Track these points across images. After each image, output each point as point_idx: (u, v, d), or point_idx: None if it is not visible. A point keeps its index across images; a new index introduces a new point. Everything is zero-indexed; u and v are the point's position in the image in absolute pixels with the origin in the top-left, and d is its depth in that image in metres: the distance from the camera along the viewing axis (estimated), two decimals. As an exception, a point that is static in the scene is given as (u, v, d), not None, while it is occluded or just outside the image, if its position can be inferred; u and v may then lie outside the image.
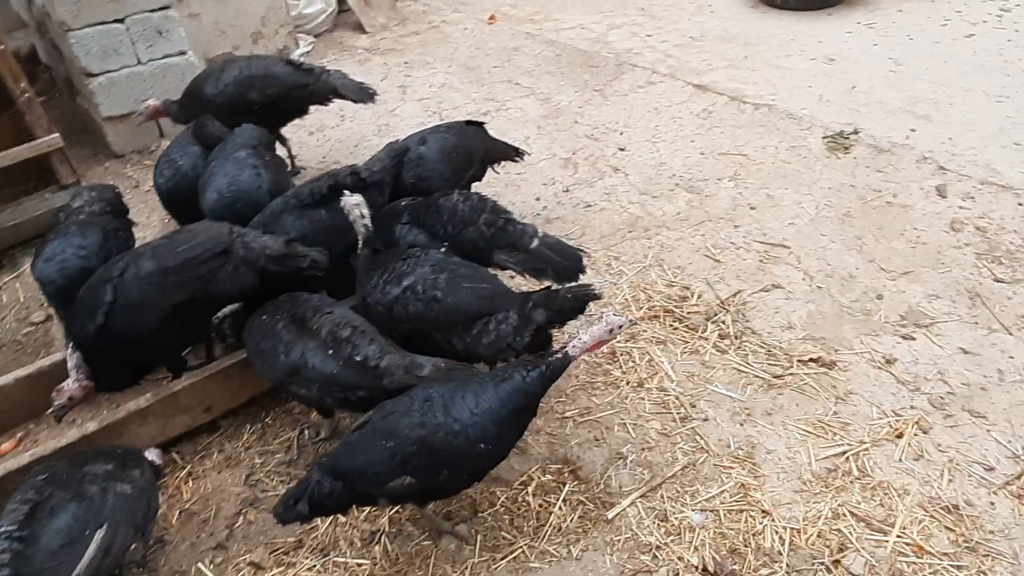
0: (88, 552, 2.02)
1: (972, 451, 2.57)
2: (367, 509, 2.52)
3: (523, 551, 2.38)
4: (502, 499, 2.54)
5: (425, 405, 2.11)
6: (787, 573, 2.26)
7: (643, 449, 2.65)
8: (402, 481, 2.09)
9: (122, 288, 2.46)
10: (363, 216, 2.55)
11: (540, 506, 2.51)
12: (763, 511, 2.42)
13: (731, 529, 2.38)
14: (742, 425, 2.72)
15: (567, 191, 4.03)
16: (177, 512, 2.61)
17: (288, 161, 4.07)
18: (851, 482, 2.49)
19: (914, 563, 2.26)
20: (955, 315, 3.08)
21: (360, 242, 2.64)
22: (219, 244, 2.48)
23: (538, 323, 2.41)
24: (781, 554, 2.30)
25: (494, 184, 3.99)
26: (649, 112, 4.59)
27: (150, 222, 4.03)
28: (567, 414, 2.80)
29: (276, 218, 2.83)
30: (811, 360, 2.92)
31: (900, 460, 2.55)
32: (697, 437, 2.68)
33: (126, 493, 2.15)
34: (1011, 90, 4.34)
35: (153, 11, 4.38)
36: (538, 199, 3.99)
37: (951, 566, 2.24)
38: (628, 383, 2.88)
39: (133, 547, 2.22)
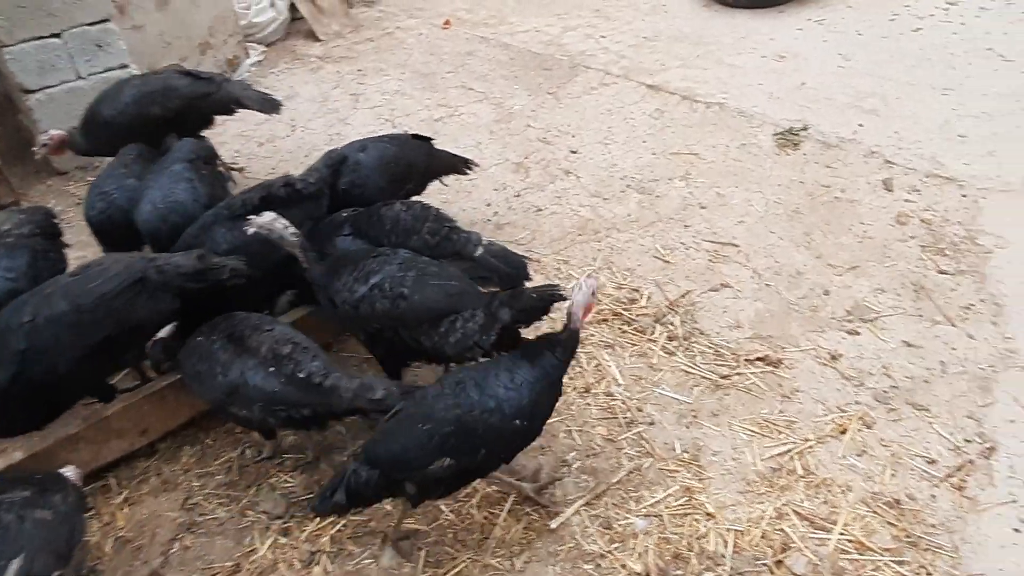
0: (3, 583, 1.94)
1: (915, 444, 2.57)
2: (308, 529, 2.46)
3: (466, 566, 2.34)
4: (446, 512, 2.49)
5: (458, 388, 2.14)
6: (730, 576, 2.24)
7: (588, 456, 2.62)
8: (441, 463, 2.10)
9: (35, 333, 2.33)
10: (285, 227, 2.49)
11: (485, 518, 2.47)
12: (707, 514, 2.40)
13: (675, 534, 2.36)
14: (688, 428, 2.70)
15: (518, 196, 4.00)
16: (112, 540, 2.53)
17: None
18: (795, 481, 2.48)
19: (856, 560, 2.25)
20: (900, 308, 3.10)
21: (300, 256, 2.58)
22: (132, 274, 2.39)
23: (504, 322, 2.38)
24: (724, 557, 2.28)
25: (445, 191, 3.94)
26: (602, 114, 4.58)
27: (92, 240, 3.93)
28: (513, 423, 2.76)
29: (207, 230, 2.76)
30: (758, 359, 2.91)
31: (844, 456, 2.55)
32: (643, 442, 2.65)
33: (45, 520, 2.07)
34: (956, 83, 4.39)
35: (91, 24, 4.27)
36: (489, 205, 3.96)
37: (892, 562, 2.24)
38: (575, 389, 2.85)
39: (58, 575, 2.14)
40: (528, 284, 2.79)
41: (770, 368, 2.88)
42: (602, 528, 2.39)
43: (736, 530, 2.35)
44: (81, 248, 3.44)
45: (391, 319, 2.48)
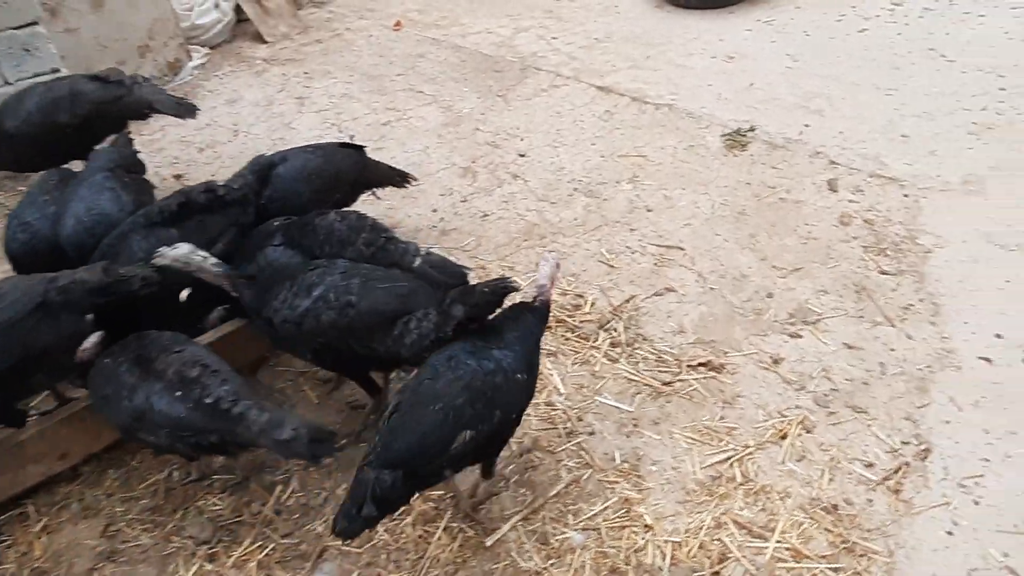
0: None
1: (853, 448, 2.57)
2: (235, 554, 2.37)
3: (399, 587, 2.27)
4: (380, 531, 2.42)
5: (452, 362, 2.15)
6: (667, 589, 2.20)
7: (527, 469, 2.56)
8: (463, 438, 2.09)
9: None
10: (205, 258, 2.38)
11: (420, 536, 2.40)
12: (646, 526, 2.36)
13: (613, 547, 2.31)
14: (629, 437, 2.66)
15: (465, 201, 3.93)
16: (27, 571, 2.40)
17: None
18: (734, 489, 2.46)
19: (793, 568, 2.23)
20: (842, 310, 3.10)
21: (226, 285, 2.47)
22: (33, 298, 2.27)
23: (458, 318, 2.32)
24: (662, 570, 2.25)
25: (391, 197, 3.88)
26: (551, 116, 4.53)
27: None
28: (451, 436, 2.69)
29: (124, 239, 2.65)
30: (700, 365, 2.89)
31: (783, 462, 2.54)
32: (582, 452, 2.61)
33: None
34: (899, 82, 4.43)
35: (18, 28, 4.10)
36: (435, 210, 3.88)
37: (828, 569, 2.22)
38: (516, 399, 2.79)
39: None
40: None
41: (712, 374, 2.85)
42: (539, 544, 2.34)
43: (674, 542, 2.31)
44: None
45: (340, 330, 2.40)
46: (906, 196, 3.64)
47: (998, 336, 2.88)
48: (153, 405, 2.17)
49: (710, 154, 4.08)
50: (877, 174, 3.79)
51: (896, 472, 2.46)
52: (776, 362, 2.88)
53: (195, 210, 2.71)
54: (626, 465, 2.56)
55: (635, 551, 2.30)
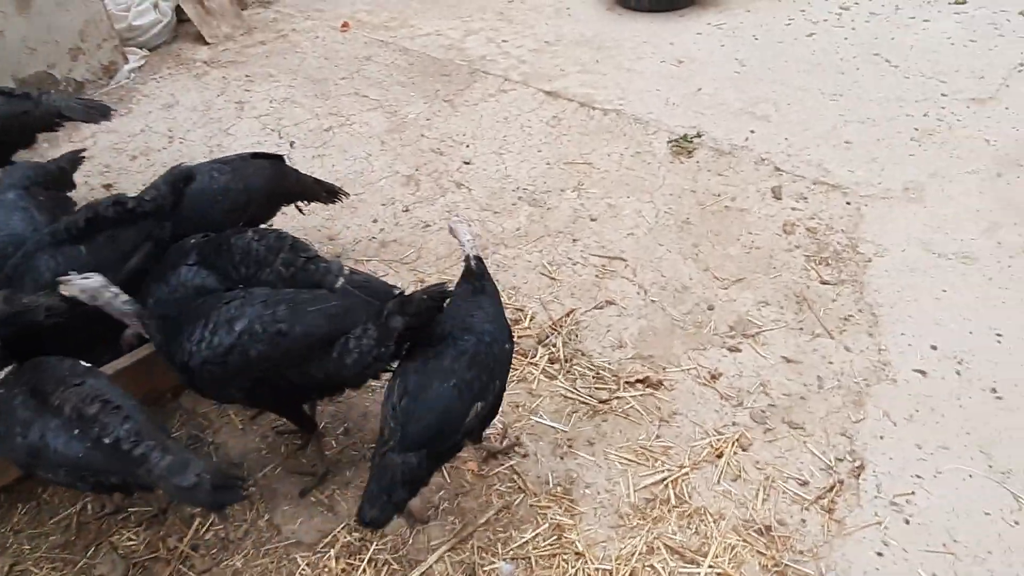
0: None
1: (788, 466, 2.54)
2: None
3: (320, 624, 2.17)
4: (302, 566, 2.32)
5: (450, 340, 2.21)
6: (596, 620, 2.14)
7: (456, 495, 2.48)
8: (476, 410, 2.16)
9: None
10: (116, 295, 2.23)
11: (343, 570, 2.30)
12: (577, 553, 2.30)
13: (542, 577, 2.25)
14: (563, 459, 2.59)
15: (407, 211, 3.83)
16: (-78, 619, 2.26)
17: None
18: (668, 511, 2.41)
19: (724, 594, 2.19)
20: (782, 322, 3.07)
21: (137, 325, 2.31)
22: None
23: (399, 330, 2.22)
24: (591, 600, 2.19)
25: (329, 207, 3.74)
26: (498, 122, 4.45)
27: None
28: (380, 461, 2.60)
29: (30, 259, 2.50)
30: (638, 381, 2.83)
31: (718, 482, 2.49)
32: (515, 476, 2.53)
33: None
34: (844, 88, 4.44)
35: (-68, 31, 3.89)
36: (375, 221, 3.77)
37: (759, 594, 2.18)
38: (449, 421, 2.71)
39: None
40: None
41: (650, 391, 2.80)
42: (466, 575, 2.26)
43: (605, 569, 2.25)
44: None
45: (272, 362, 2.25)
46: (848, 204, 3.64)
47: (933, 347, 2.88)
48: (49, 444, 2.03)
49: (656, 161, 4.03)
50: (821, 181, 3.78)
51: (830, 490, 2.44)
52: (714, 377, 2.84)
53: (104, 225, 2.57)
54: (559, 489, 2.49)
55: (565, 580, 2.23)
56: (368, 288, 2.61)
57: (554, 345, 3.01)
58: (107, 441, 2.01)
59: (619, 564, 2.26)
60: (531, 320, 3.13)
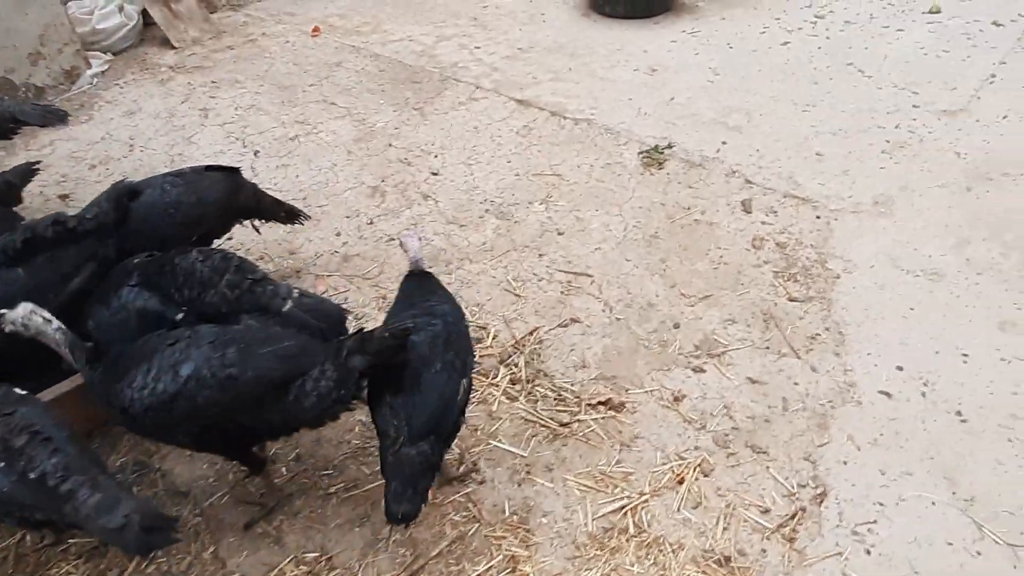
0: None
1: (750, 492, 2.48)
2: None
3: (262, 665, 2.09)
4: (247, 602, 2.24)
5: (420, 323, 2.25)
6: (548, 658, 2.08)
7: (409, 524, 2.40)
8: (463, 387, 2.24)
9: None
10: (47, 321, 2.13)
11: (289, 606, 2.22)
12: (531, 586, 2.23)
13: (494, 612, 2.18)
14: (520, 485, 2.53)
15: (371, 223, 3.74)
16: None
17: None
18: (626, 541, 2.35)
19: (680, 630, 2.13)
20: (748, 341, 3.02)
21: (68, 356, 2.21)
22: None
23: (359, 369, 2.14)
24: (544, 636, 2.12)
25: (291, 219, 3.65)
26: (468, 131, 4.37)
27: None
28: (332, 489, 2.52)
29: None
30: (600, 403, 2.77)
31: (679, 510, 2.43)
32: (470, 504, 2.46)
33: None
34: (817, 98, 4.40)
35: None
36: (338, 234, 3.69)
37: (716, 629, 2.12)
38: (405, 446, 2.63)
39: None
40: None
41: (612, 413, 2.74)
42: (415, 611, 2.19)
43: (559, 603, 2.19)
44: None
45: (221, 407, 2.13)
46: (818, 218, 3.59)
47: (899, 368, 2.84)
48: (-29, 477, 1.93)
49: (626, 172, 3.97)
50: (791, 194, 3.74)
51: (792, 518, 2.38)
52: (677, 399, 2.78)
53: (44, 246, 2.47)
54: (515, 517, 2.42)
55: (517, 615, 2.17)
56: (319, 312, 2.54)
57: (516, 365, 2.94)
58: (32, 476, 1.91)
59: (574, 598, 2.20)
60: (493, 339, 3.06)
